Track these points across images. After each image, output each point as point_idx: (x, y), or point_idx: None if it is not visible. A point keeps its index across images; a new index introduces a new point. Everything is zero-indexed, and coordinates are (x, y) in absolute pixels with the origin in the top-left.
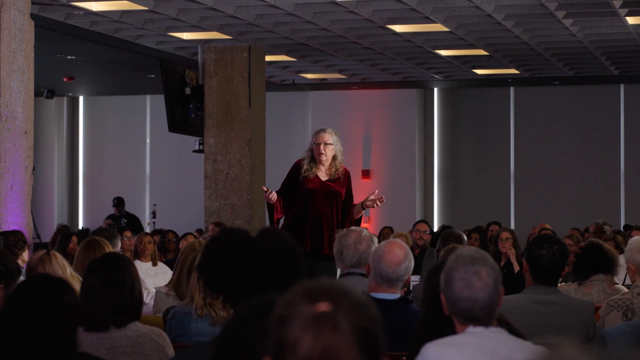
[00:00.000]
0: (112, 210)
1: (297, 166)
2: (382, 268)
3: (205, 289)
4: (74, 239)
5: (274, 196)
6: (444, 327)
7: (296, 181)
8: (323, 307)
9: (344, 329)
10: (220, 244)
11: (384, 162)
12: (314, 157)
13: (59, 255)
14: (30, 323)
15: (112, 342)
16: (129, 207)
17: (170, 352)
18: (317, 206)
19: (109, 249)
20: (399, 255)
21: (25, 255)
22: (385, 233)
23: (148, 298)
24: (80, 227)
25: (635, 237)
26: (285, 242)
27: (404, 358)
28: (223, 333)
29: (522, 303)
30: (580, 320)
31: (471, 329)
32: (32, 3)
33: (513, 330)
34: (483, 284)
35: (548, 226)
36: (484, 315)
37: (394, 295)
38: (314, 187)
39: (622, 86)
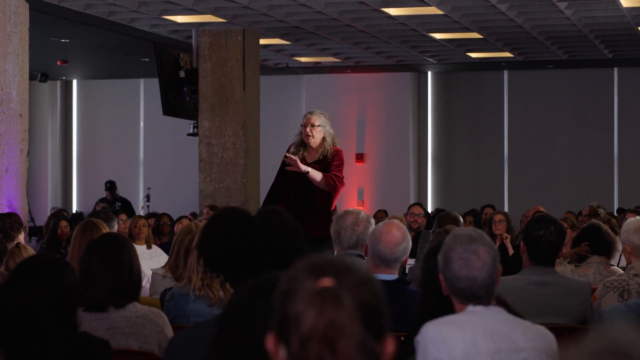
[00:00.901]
0: (105, 194)
1: (288, 150)
2: (380, 249)
3: (203, 269)
4: (62, 223)
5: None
6: (442, 308)
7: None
8: (327, 282)
9: (348, 304)
10: (220, 223)
11: (378, 145)
12: (303, 140)
13: (29, 248)
14: (30, 303)
15: (110, 323)
16: (122, 191)
17: (169, 332)
18: (306, 189)
19: (106, 230)
20: (397, 236)
21: (22, 237)
22: (379, 216)
23: (144, 281)
24: (74, 211)
25: (631, 219)
26: (287, 221)
27: (402, 338)
28: (225, 312)
29: (519, 284)
30: (577, 301)
31: (471, 307)
32: None
33: (511, 310)
34: (482, 263)
35: (542, 209)
36: (483, 294)
37: (392, 276)
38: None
39: (615, 69)
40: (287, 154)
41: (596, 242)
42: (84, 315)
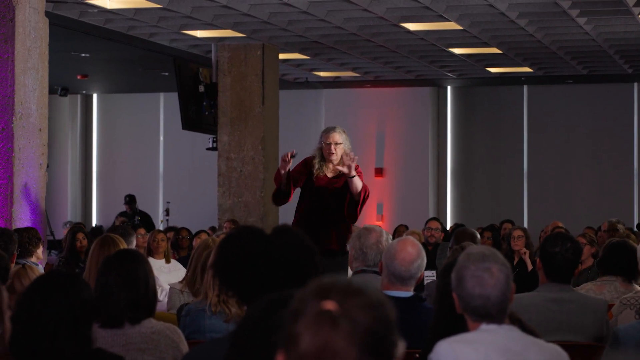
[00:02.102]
0: (124, 208)
1: (307, 163)
2: (395, 266)
3: (219, 286)
4: (79, 236)
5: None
6: (457, 325)
7: (304, 175)
8: (329, 305)
9: (345, 328)
10: (235, 242)
11: (397, 160)
12: (323, 156)
13: (35, 268)
14: (46, 318)
15: (126, 339)
16: (142, 205)
17: (185, 348)
18: (325, 204)
19: (123, 246)
20: (412, 253)
21: (40, 252)
22: (400, 231)
23: (162, 295)
24: (93, 225)
25: None
26: (301, 240)
27: (417, 355)
28: (239, 327)
29: (535, 301)
30: (593, 319)
31: (484, 326)
32: (47, 1)
33: (525, 328)
34: (495, 281)
35: (560, 224)
36: (496, 312)
37: (407, 293)
38: (323, 184)
39: (635, 85)
40: (349, 155)
41: (619, 261)
42: (99, 331)
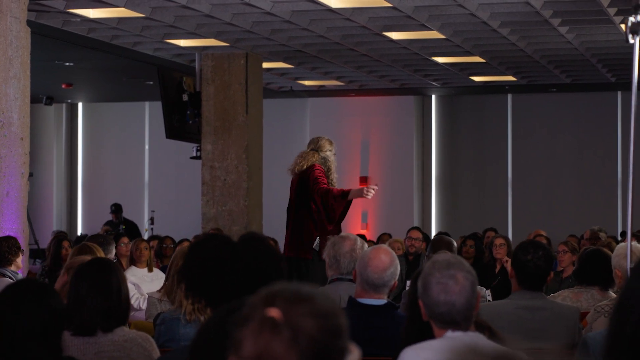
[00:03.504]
0: (110, 217)
1: (323, 171)
2: (368, 274)
3: (186, 292)
4: (65, 244)
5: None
6: (428, 331)
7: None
8: (273, 312)
9: (286, 335)
10: (202, 248)
11: (381, 168)
12: (332, 167)
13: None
14: (15, 327)
15: (99, 347)
16: (127, 214)
17: (157, 356)
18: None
19: (100, 254)
20: (385, 261)
21: (19, 261)
22: (383, 240)
23: (144, 304)
24: (79, 234)
25: (621, 244)
26: (267, 247)
27: None
28: (198, 334)
29: (507, 309)
30: (565, 326)
31: (449, 333)
32: (29, 10)
33: (494, 336)
34: (459, 288)
35: (543, 233)
36: (462, 319)
37: (380, 300)
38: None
39: (619, 93)
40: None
41: (597, 271)
42: (72, 339)
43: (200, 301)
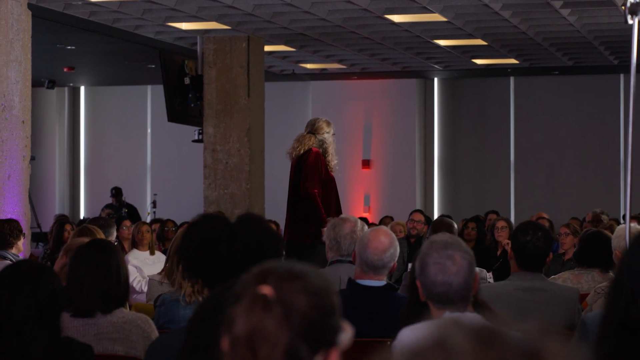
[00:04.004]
0: (111, 201)
1: (320, 155)
2: (368, 255)
3: (183, 272)
4: (68, 227)
5: None
6: (428, 313)
7: (324, 169)
8: (265, 289)
9: (277, 312)
10: (199, 229)
11: (384, 152)
12: (329, 149)
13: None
14: (13, 308)
15: (98, 328)
16: (130, 197)
17: (156, 337)
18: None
19: (100, 237)
20: (384, 242)
21: (21, 244)
22: (386, 223)
23: (146, 287)
24: (81, 217)
25: (621, 226)
26: (265, 227)
27: (389, 343)
28: (195, 315)
29: (507, 290)
30: (565, 308)
31: (447, 314)
32: None
33: (494, 316)
34: (457, 268)
35: (545, 215)
36: (459, 299)
37: (379, 282)
38: (331, 174)
39: (621, 76)
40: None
41: (597, 253)
42: (71, 320)
43: (198, 282)
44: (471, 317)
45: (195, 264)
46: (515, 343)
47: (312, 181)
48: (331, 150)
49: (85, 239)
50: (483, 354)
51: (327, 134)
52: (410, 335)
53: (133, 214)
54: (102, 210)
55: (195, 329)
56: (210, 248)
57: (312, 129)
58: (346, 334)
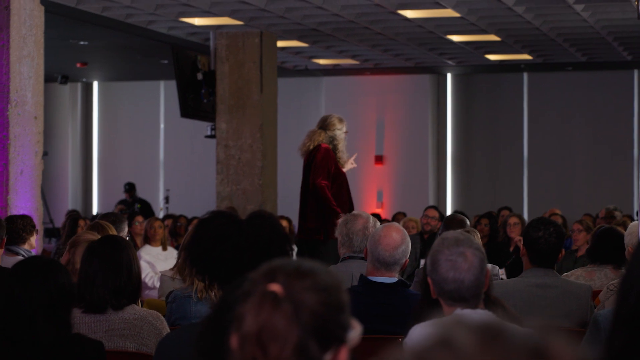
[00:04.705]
0: (124, 196)
1: (330, 151)
2: (379, 252)
3: (190, 269)
4: (81, 222)
5: None
6: (439, 309)
7: (333, 165)
8: (274, 287)
9: (287, 310)
10: (208, 226)
11: (397, 147)
12: (339, 145)
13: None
14: (24, 303)
15: (109, 325)
16: (142, 192)
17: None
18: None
19: (112, 232)
20: (396, 239)
21: (33, 239)
22: (398, 219)
23: (158, 282)
24: (94, 213)
25: (634, 222)
26: (274, 226)
27: (400, 339)
28: (211, 313)
29: (520, 287)
30: (577, 304)
31: (459, 311)
32: None
33: (507, 314)
34: (468, 265)
35: (558, 211)
36: (470, 296)
37: (391, 278)
38: (343, 170)
39: (635, 71)
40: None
41: (610, 249)
42: (82, 316)
43: (204, 279)
44: (482, 314)
45: (201, 260)
46: (521, 340)
47: (320, 175)
48: (341, 147)
49: (91, 234)
50: (487, 351)
51: (339, 131)
52: (421, 332)
53: (146, 210)
54: (116, 206)
55: (214, 323)
56: (217, 245)
57: (323, 124)
58: (355, 331)
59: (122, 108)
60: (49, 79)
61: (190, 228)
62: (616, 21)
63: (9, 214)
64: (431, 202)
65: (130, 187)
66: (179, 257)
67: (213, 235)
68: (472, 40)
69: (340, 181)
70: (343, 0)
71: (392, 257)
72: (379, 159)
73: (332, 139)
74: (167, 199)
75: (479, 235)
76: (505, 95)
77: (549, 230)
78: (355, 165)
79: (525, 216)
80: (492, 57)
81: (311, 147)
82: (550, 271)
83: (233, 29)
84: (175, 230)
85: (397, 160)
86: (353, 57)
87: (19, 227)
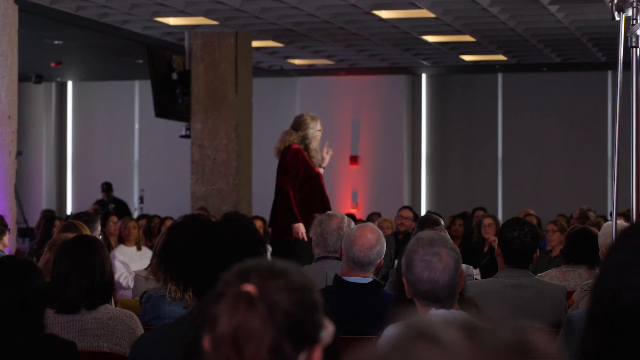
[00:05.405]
0: (100, 196)
1: (300, 152)
2: (354, 252)
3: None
4: (57, 223)
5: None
6: (414, 309)
7: (303, 166)
8: (248, 287)
9: (261, 310)
10: (181, 231)
11: (372, 148)
12: (311, 145)
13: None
14: None
15: (82, 324)
16: (117, 192)
17: (141, 334)
18: (323, 189)
19: (85, 232)
20: (371, 239)
21: (6, 239)
22: (373, 219)
23: (132, 282)
24: (68, 213)
25: (608, 223)
26: (248, 228)
27: (374, 340)
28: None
29: (494, 287)
30: (551, 305)
31: (433, 311)
32: None
33: (481, 313)
34: (443, 265)
35: (532, 212)
36: (445, 297)
37: (366, 279)
38: (316, 170)
39: (609, 73)
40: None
41: (584, 250)
42: (55, 317)
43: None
44: (456, 314)
45: (174, 265)
46: (501, 336)
47: (286, 177)
48: (314, 146)
49: (70, 235)
50: (473, 345)
51: (312, 130)
52: (395, 332)
53: (122, 210)
54: (92, 205)
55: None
56: (190, 250)
57: (295, 124)
58: (327, 330)
59: (97, 108)
60: (23, 78)
61: (163, 229)
62: (591, 22)
63: None
64: (406, 203)
65: (107, 187)
66: (152, 258)
67: (185, 239)
68: (447, 40)
69: (312, 182)
70: (318, 1)
71: (367, 257)
72: (354, 159)
73: (304, 139)
74: (141, 199)
75: (448, 235)
76: (479, 96)
77: (524, 230)
78: (331, 152)
79: (500, 216)
80: (467, 57)
81: (282, 147)
82: (525, 271)
83: (208, 29)
84: (150, 231)
85: (372, 160)
86: (328, 57)
87: None
